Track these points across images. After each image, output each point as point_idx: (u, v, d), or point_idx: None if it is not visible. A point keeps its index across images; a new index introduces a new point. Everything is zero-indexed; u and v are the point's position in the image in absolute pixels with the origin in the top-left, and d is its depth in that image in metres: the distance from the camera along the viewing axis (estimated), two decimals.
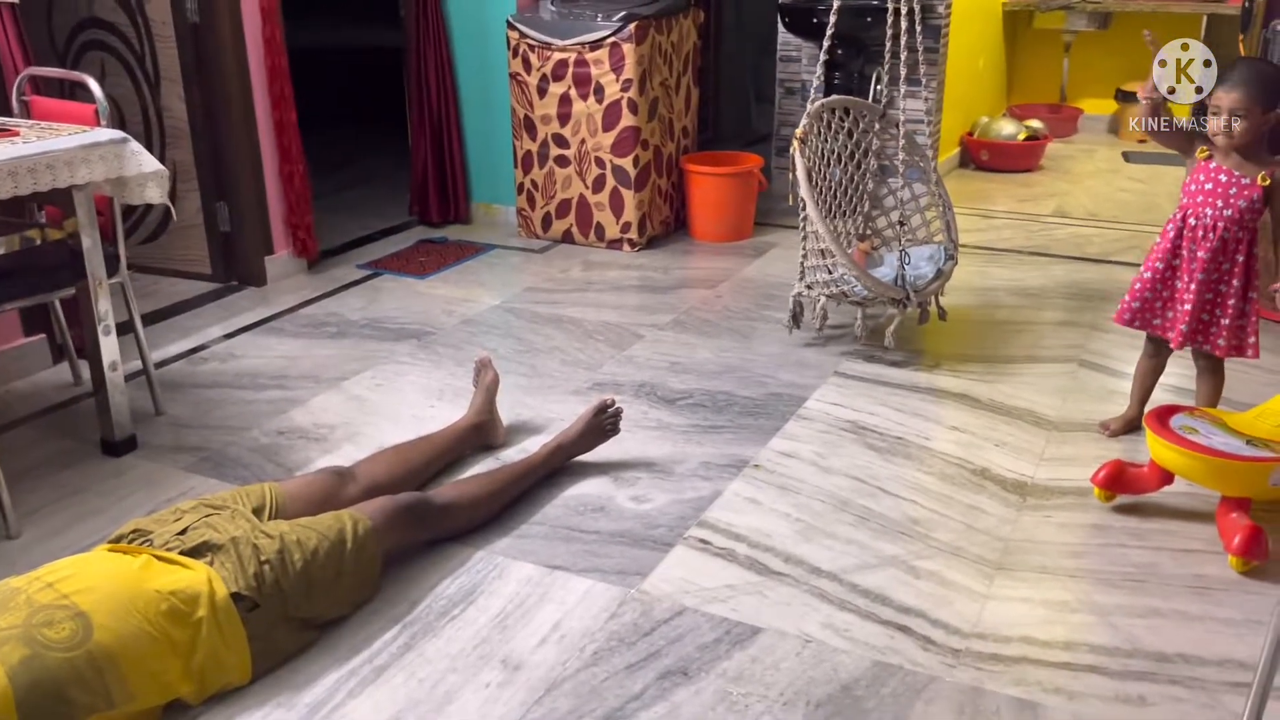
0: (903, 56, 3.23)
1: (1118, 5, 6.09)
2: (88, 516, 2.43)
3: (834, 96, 3.55)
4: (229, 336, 3.53)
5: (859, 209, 3.66)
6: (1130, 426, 2.76)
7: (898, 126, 3.44)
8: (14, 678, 1.59)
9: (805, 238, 3.30)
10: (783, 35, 4.93)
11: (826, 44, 3.34)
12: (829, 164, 3.47)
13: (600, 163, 4.30)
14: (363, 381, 3.15)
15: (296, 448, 2.75)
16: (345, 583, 2.02)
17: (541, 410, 2.94)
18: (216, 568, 1.88)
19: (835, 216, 3.55)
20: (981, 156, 5.66)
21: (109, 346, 2.67)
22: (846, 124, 3.50)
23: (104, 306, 2.65)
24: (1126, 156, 5.96)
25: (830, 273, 3.24)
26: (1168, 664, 1.93)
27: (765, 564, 2.23)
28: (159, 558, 1.88)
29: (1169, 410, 2.40)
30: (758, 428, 2.83)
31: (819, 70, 3.37)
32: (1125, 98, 6.23)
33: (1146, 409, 2.57)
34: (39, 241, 2.53)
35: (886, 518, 2.40)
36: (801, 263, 3.35)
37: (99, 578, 1.78)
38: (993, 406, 2.95)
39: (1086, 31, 6.27)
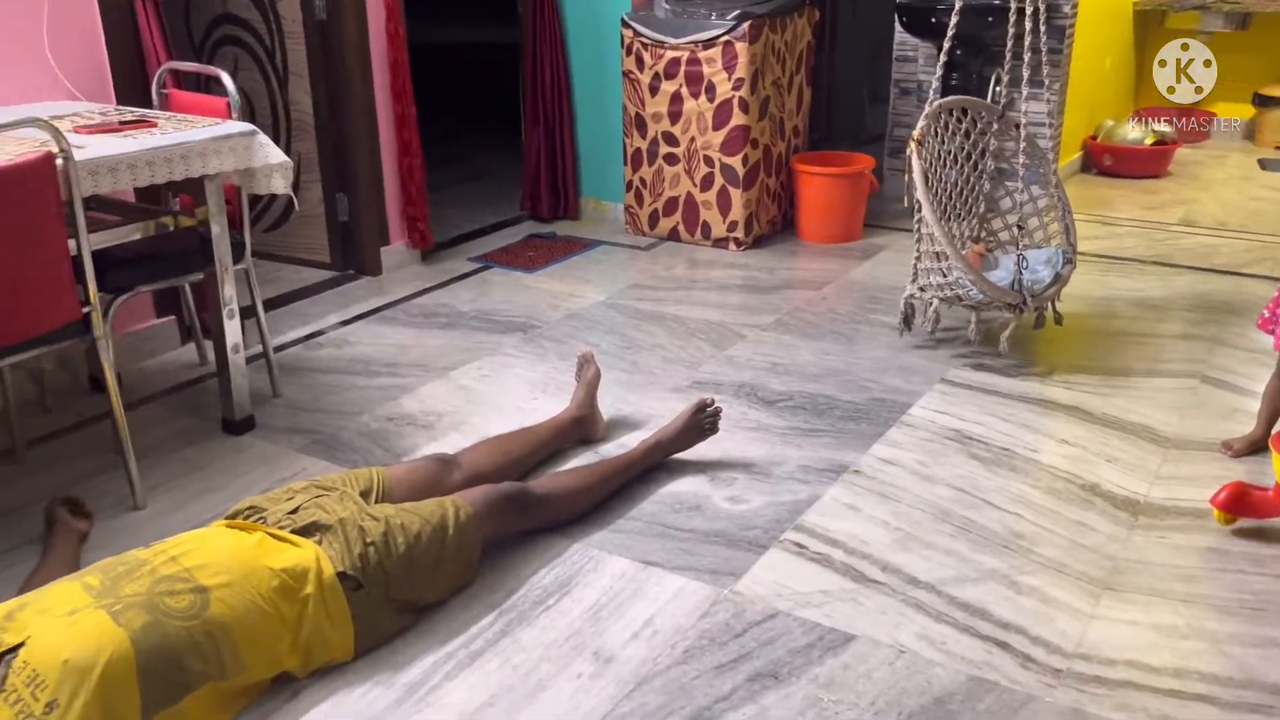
0: (1025, 57, 3.14)
1: (1258, 5, 5.80)
2: (207, 492, 2.55)
3: (952, 97, 3.48)
4: (345, 324, 3.65)
5: (974, 211, 3.58)
6: (1255, 447, 2.64)
7: (1018, 128, 3.35)
8: (137, 642, 1.67)
9: (919, 240, 3.24)
10: (899, 35, 4.84)
11: (946, 44, 3.28)
12: (945, 166, 3.40)
13: (709, 161, 4.30)
14: (470, 372, 3.22)
15: (405, 434, 2.83)
16: (446, 568, 2.07)
17: (641, 407, 2.96)
18: (324, 547, 1.95)
19: (950, 219, 3.48)
20: (1104, 161, 5.46)
21: (232, 330, 2.79)
22: (964, 125, 3.42)
23: (229, 291, 2.77)
24: (1263, 164, 5.67)
25: (945, 275, 3.18)
26: None
27: (861, 571, 2.21)
28: (272, 535, 1.96)
29: None
30: (859, 433, 2.80)
31: (938, 71, 3.31)
32: (1264, 102, 5.93)
33: (1274, 430, 2.46)
34: (172, 228, 2.66)
35: (989, 530, 2.35)
36: (915, 265, 3.29)
37: (217, 553, 1.86)
38: (1106, 420, 2.85)
39: (1223, 32, 5.99)
